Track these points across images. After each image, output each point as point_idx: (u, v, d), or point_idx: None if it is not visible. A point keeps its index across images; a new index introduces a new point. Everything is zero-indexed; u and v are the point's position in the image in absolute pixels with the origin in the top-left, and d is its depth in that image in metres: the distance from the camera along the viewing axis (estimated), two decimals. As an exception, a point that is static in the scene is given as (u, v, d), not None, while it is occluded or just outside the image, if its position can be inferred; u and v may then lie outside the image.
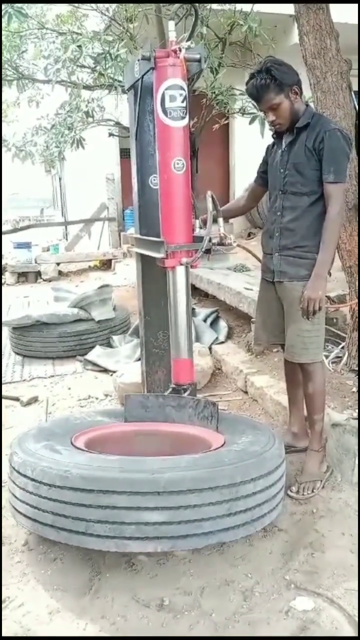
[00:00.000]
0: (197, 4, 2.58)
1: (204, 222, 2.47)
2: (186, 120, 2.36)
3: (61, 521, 1.84)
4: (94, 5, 5.28)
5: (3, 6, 3.87)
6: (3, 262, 8.38)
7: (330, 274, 2.47)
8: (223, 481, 1.84)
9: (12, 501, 2.06)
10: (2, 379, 4.08)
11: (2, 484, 2.47)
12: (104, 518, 1.78)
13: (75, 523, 1.81)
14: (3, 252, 8.30)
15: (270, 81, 2.27)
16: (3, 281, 8.33)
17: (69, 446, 2.15)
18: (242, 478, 1.88)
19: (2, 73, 5.05)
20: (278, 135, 2.50)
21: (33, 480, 1.90)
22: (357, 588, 1.88)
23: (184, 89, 2.33)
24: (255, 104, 2.46)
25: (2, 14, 3.89)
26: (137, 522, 1.77)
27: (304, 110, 2.36)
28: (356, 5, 5.28)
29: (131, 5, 5.09)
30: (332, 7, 2.88)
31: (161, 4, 4.73)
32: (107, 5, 5.31)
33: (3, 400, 3.62)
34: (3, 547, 2.14)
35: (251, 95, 2.40)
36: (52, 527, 1.87)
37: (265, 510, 2.00)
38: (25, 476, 1.94)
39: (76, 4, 5.32)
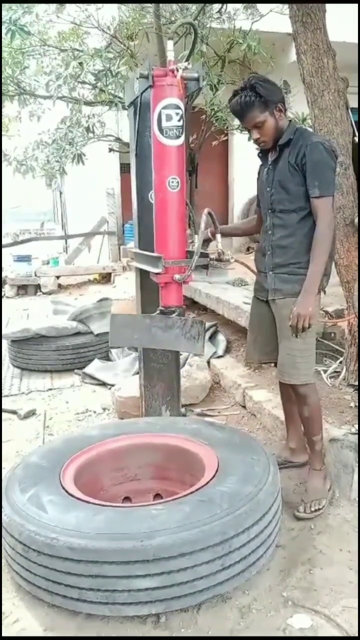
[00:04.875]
0: (196, 24, 2.62)
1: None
2: (182, 140, 2.35)
3: (53, 587, 1.82)
4: (95, 22, 5.36)
5: (6, 24, 3.94)
6: (3, 275, 8.41)
7: (324, 292, 2.44)
8: (215, 539, 1.78)
9: (6, 557, 2.03)
10: (1, 392, 4.07)
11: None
12: (95, 586, 1.75)
13: (67, 590, 1.79)
14: (3, 265, 8.32)
15: (255, 98, 2.23)
16: (3, 294, 8.35)
17: (56, 490, 2.06)
18: (236, 531, 1.83)
19: (4, 88, 5.11)
20: (264, 154, 2.47)
21: (22, 543, 1.87)
22: (356, 605, 1.87)
23: (180, 108, 2.33)
24: (239, 121, 2.41)
25: (6, 31, 3.96)
26: (129, 590, 1.74)
27: (287, 127, 2.32)
28: (353, 23, 5.38)
29: (132, 22, 5.17)
30: (330, 25, 2.93)
31: (161, 22, 4.80)
32: (108, 23, 5.39)
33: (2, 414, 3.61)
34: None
35: (235, 113, 2.36)
36: (46, 591, 1.85)
37: (261, 553, 1.96)
38: (13, 537, 1.90)
39: (78, 23, 5.41)
